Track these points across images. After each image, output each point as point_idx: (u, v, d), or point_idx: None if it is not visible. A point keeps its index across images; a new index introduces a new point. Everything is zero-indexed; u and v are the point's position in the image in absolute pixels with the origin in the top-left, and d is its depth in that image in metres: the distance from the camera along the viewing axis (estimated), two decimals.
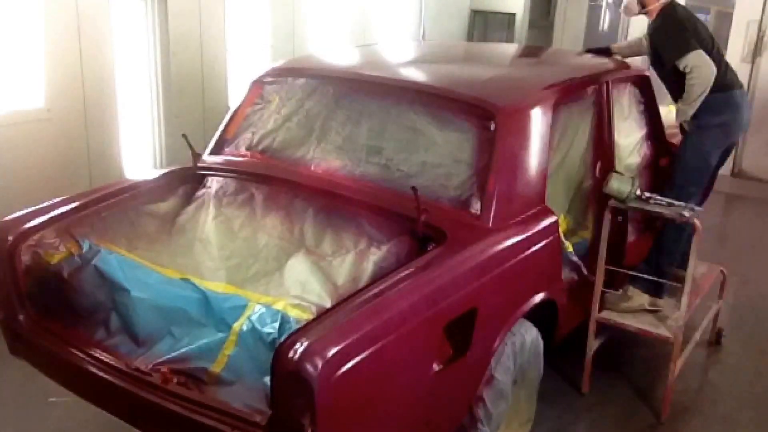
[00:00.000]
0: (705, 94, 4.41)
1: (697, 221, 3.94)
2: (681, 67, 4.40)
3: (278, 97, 4.15)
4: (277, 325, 2.87)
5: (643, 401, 4.38)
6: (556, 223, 3.70)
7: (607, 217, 4.12)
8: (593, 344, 4.30)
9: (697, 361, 4.85)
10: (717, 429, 4.23)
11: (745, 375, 4.79)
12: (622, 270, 4.31)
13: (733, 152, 9.00)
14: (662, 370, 4.34)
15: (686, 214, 4.01)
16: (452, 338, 2.97)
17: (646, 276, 4.32)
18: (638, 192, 4.06)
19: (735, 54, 9.17)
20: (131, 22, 6.04)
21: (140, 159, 6.32)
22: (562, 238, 3.85)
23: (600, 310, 4.23)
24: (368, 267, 3.21)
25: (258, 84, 4.26)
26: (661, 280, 4.28)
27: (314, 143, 3.88)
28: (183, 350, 2.97)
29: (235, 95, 4.47)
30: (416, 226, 3.24)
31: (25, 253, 3.27)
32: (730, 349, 5.06)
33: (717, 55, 4.55)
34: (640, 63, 5.91)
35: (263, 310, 2.95)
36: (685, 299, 4.02)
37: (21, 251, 3.25)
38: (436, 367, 2.91)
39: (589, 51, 5.38)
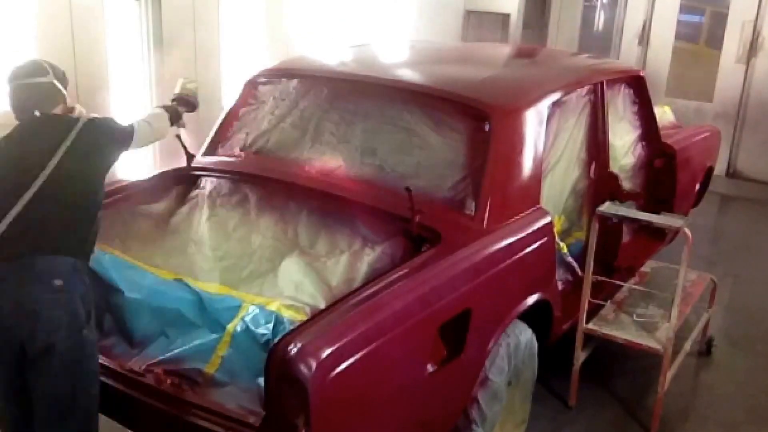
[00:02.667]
0: None
1: (687, 231, 3.88)
2: None
3: (272, 97, 4.15)
4: (270, 326, 2.87)
5: (632, 414, 4.31)
6: (550, 223, 3.69)
7: (594, 226, 4.02)
8: (580, 356, 4.19)
9: (688, 371, 4.76)
10: None
11: (737, 378, 4.78)
12: (610, 280, 4.28)
13: (729, 153, 9.08)
14: (652, 382, 4.26)
15: (677, 223, 3.96)
16: (447, 339, 2.97)
17: None
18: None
19: (730, 55, 9.21)
20: (125, 22, 6.02)
21: (134, 159, 6.30)
22: (557, 238, 3.85)
23: (587, 321, 4.13)
24: (362, 268, 3.21)
25: (252, 85, 4.26)
26: None
27: (308, 144, 3.88)
28: (177, 351, 2.97)
29: (229, 96, 4.46)
30: (411, 227, 3.23)
31: None
32: (722, 350, 5.05)
33: None
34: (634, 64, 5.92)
35: (257, 311, 2.95)
36: (674, 310, 3.93)
37: None
38: (430, 368, 2.91)
39: None
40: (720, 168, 8.26)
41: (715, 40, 9.58)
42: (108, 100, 5.75)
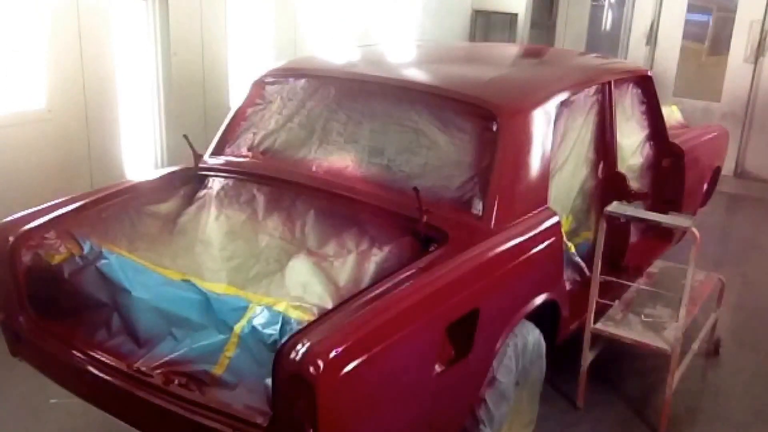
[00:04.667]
0: None
1: (695, 231, 3.86)
2: None
3: (279, 97, 4.15)
4: (278, 326, 2.86)
5: (640, 414, 4.30)
6: (558, 223, 3.69)
7: (602, 225, 4.01)
8: (588, 356, 4.18)
9: (696, 372, 4.74)
10: None
11: (745, 378, 4.76)
12: (618, 280, 4.27)
13: (736, 153, 9.07)
14: (659, 382, 4.25)
15: (685, 223, 3.94)
16: (454, 339, 2.96)
17: None
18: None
19: (738, 55, 9.19)
20: (132, 22, 6.03)
21: (141, 160, 6.32)
22: (565, 238, 3.84)
23: (595, 321, 4.11)
24: (370, 268, 3.21)
25: (259, 84, 4.26)
26: None
27: (315, 144, 3.87)
28: (184, 351, 2.97)
29: (237, 96, 4.46)
30: (418, 227, 3.23)
31: (26, 254, 3.26)
32: (730, 350, 5.03)
33: None
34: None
35: (264, 311, 2.95)
36: (682, 310, 3.91)
37: (22, 252, 3.24)
38: (438, 368, 2.90)
39: None
40: (728, 168, 8.24)
41: (723, 40, 9.56)
42: (115, 100, 5.76)
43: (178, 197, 3.94)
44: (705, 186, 6.00)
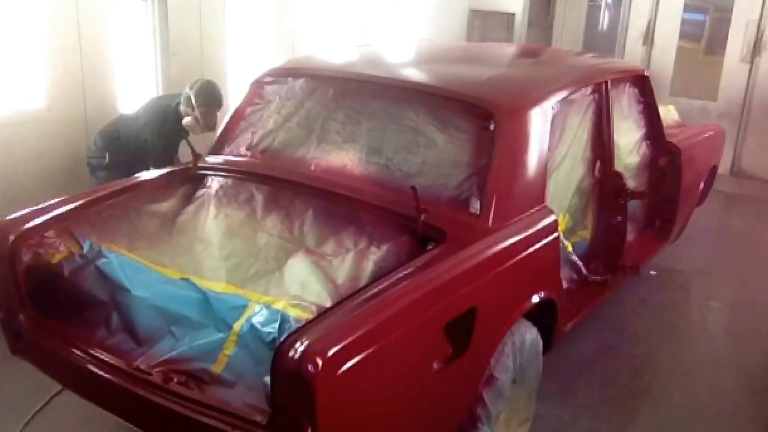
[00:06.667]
0: None
1: None
2: None
3: (278, 97, 4.16)
4: (276, 324, 2.87)
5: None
6: (555, 222, 3.70)
7: None
8: None
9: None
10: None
11: (743, 375, 4.77)
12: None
13: (733, 151, 9.08)
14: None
15: None
16: (452, 337, 2.98)
17: None
18: None
19: (734, 54, 9.21)
20: (131, 21, 6.04)
21: None
22: (562, 237, 3.86)
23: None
24: (368, 266, 3.22)
25: (258, 84, 4.27)
26: None
27: (314, 143, 3.89)
28: (183, 350, 2.98)
29: (235, 95, 4.48)
30: (416, 226, 3.24)
31: (26, 253, 3.28)
32: (727, 347, 5.04)
33: None
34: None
35: (263, 309, 2.96)
36: None
37: (22, 251, 3.26)
38: (436, 366, 2.91)
39: None
40: (724, 166, 8.26)
41: (719, 40, 9.57)
42: (114, 99, 5.77)
43: (177, 196, 3.95)
44: (701, 185, 6.01)
